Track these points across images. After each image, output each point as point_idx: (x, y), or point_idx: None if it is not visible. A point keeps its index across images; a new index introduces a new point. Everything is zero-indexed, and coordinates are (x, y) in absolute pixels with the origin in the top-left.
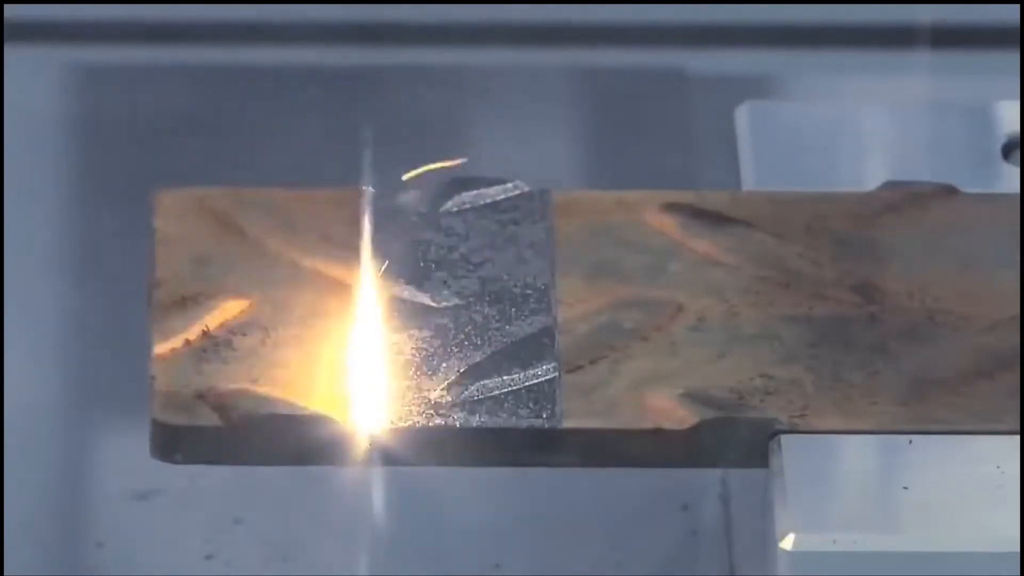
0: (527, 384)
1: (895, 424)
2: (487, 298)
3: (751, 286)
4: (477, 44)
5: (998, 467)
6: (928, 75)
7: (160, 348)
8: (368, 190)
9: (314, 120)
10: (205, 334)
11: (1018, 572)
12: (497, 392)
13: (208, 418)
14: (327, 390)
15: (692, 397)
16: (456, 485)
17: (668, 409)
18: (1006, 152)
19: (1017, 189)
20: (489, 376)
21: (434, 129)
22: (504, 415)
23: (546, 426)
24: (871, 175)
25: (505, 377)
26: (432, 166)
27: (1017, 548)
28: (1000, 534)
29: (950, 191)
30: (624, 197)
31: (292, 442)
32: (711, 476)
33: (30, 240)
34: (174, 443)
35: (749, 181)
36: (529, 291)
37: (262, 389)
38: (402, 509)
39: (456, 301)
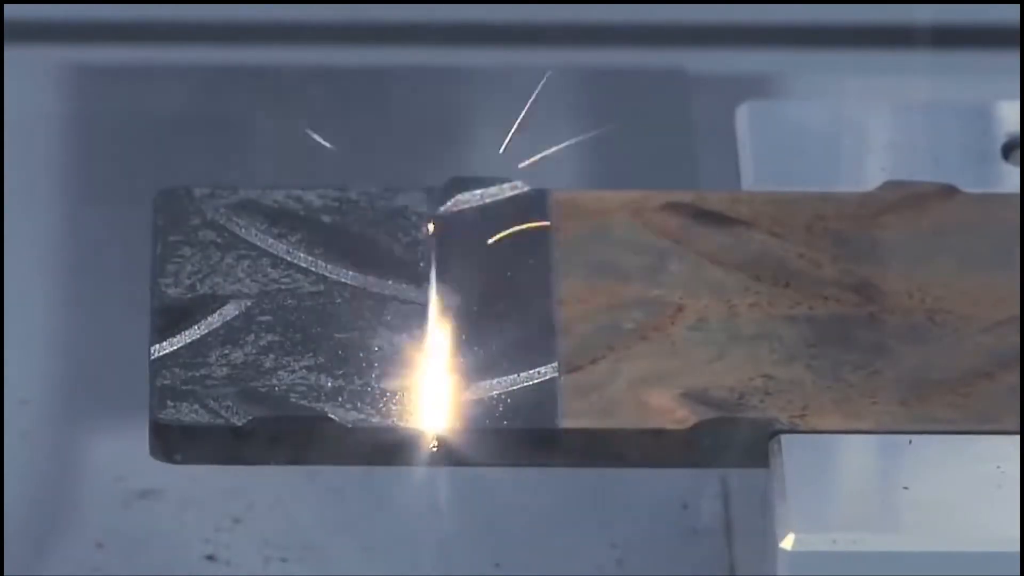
0: (527, 384)
1: (895, 424)
2: (487, 298)
3: (751, 286)
4: (477, 44)
5: (998, 467)
6: (928, 75)
7: (160, 348)
8: (368, 190)
9: (314, 120)
10: (205, 334)
11: (1018, 572)
12: (496, 392)
13: (208, 418)
14: (327, 390)
15: (692, 397)
16: (456, 485)
17: (668, 409)
18: (1006, 152)
19: (1017, 189)
20: (488, 376)
21: (434, 129)
22: (504, 415)
23: (546, 426)
24: (871, 175)
25: (505, 377)
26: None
27: (1017, 548)
28: (1000, 534)
29: (950, 191)
30: (624, 197)
31: (292, 442)
32: (711, 475)
33: (30, 240)
34: (174, 443)
35: (749, 181)
36: (529, 291)
37: (262, 389)
38: (402, 508)
39: (456, 301)
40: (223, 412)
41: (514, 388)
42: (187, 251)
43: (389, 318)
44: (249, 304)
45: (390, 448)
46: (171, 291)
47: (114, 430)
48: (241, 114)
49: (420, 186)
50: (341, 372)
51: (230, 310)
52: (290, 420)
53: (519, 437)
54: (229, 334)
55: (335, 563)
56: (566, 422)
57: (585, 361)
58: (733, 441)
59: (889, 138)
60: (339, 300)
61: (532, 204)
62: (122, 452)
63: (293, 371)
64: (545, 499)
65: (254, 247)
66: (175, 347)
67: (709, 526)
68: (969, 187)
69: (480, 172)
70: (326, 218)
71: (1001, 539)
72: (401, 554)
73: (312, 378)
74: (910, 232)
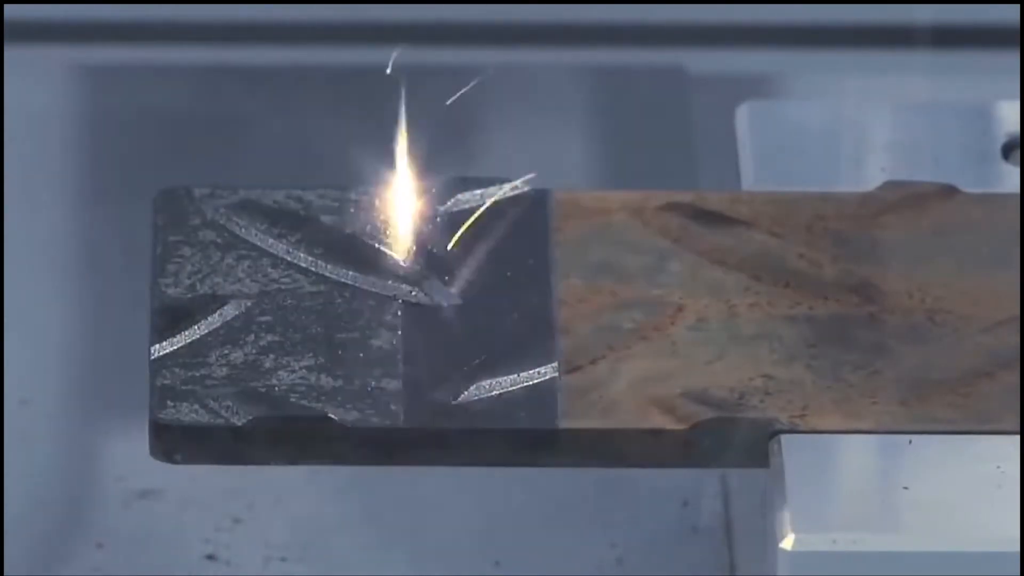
0: (527, 384)
1: (895, 424)
2: (487, 298)
3: (751, 286)
4: (477, 44)
5: (998, 467)
6: (928, 75)
7: (160, 348)
8: (368, 190)
9: (314, 120)
10: (205, 334)
11: (1018, 572)
12: (497, 392)
13: (208, 418)
14: (327, 390)
15: (692, 397)
16: (455, 483)
17: (668, 409)
18: (1006, 152)
19: (1017, 189)
20: (489, 376)
21: (434, 129)
22: (504, 415)
23: (546, 426)
24: (871, 175)
25: (505, 377)
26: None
27: (1017, 548)
28: (1000, 534)
29: (950, 191)
30: (624, 197)
31: (292, 442)
32: (711, 474)
33: (30, 240)
34: (174, 443)
35: (749, 181)
36: (529, 291)
37: (262, 389)
38: (402, 508)
39: (456, 301)
40: (223, 412)
41: (514, 388)
42: (187, 251)
43: (389, 318)
44: (249, 304)
45: (390, 448)
46: (171, 291)
47: (114, 430)
48: (241, 114)
49: (420, 185)
50: (341, 372)
51: (230, 310)
52: (290, 420)
53: (519, 437)
54: (229, 334)
55: (335, 563)
56: (566, 422)
57: (585, 361)
58: (733, 441)
59: (889, 138)
60: (339, 300)
61: (532, 204)
62: (122, 452)
63: (293, 371)
64: (545, 499)
65: (254, 247)
66: (175, 347)
67: (709, 525)
68: (969, 187)
69: (481, 172)
70: (326, 218)
71: (1001, 539)
72: (401, 554)
73: (312, 378)
74: (910, 232)
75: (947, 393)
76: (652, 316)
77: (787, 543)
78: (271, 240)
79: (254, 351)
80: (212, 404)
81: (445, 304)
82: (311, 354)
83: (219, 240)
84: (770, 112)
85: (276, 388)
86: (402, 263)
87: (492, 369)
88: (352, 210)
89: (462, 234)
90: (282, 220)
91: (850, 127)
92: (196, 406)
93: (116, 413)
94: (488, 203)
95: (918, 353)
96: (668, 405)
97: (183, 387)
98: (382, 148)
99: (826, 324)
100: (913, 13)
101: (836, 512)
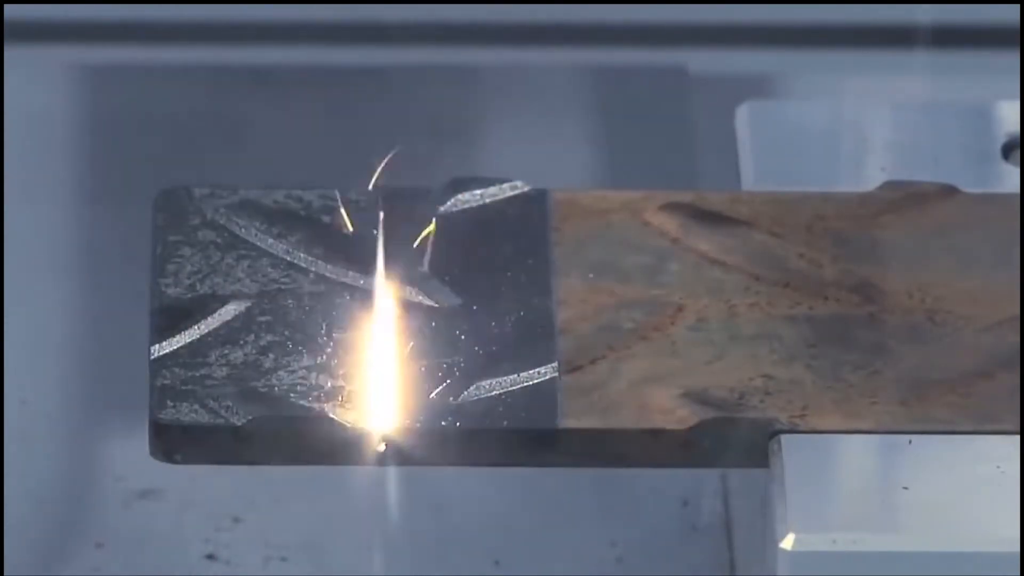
0: (527, 384)
1: (895, 424)
2: (487, 298)
3: (751, 286)
4: (478, 44)
5: (998, 467)
6: (928, 75)
7: (160, 348)
8: (368, 190)
9: (314, 120)
10: (205, 334)
11: (1018, 572)
12: (496, 392)
13: (208, 418)
14: (327, 390)
15: (692, 397)
16: (455, 483)
17: (668, 409)
18: (1006, 152)
19: (1017, 189)
20: (488, 376)
21: (434, 129)
22: (504, 415)
23: (546, 426)
24: (871, 175)
25: (505, 377)
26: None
27: (1017, 548)
28: (1000, 534)
29: (950, 191)
30: (624, 197)
31: (292, 442)
32: (711, 472)
33: (30, 240)
34: (174, 443)
35: (749, 181)
36: (529, 291)
37: (262, 389)
38: (401, 507)
39: (456, 301)
40: (223, 412)
41: (514, 388)
42: (187, 251)
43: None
44: (249, 304)
45: (390, 448)
46: (171, 291)
47: (114, 430)
48: (241, 114)
49: (420, 186)
50: (341, 372)
51: (230, 310)
52: (290, 420)
53: (519, 437)
54: (229, 334)
55: (335, 563)
56: (566, 422)
57: (585, 361)
58: (733, 441)
59: (889, 138)
60: (339, 300)
61: (532, 204)
62: (122, 452)
63: (293, 371)
64: (545, 499)
65: (254, 247)
66: (175, 347)
67: (709, 524)
68: (969, 187)
69: (480, 172)
70: (326, 218)
71: (1001, 539)
72: (401, 554)
73: (312, 378)
74: (910, 232)
75: (947, 393)
76: (652, 316)
77: (787, 543)
78: (271, 240)
79: (254, 351)
80: (212, 404)
81: (445, 304)
82: (311, 354)
83: (219, 240)
84: (770, 112)
85: (276, 388)
86: (402, 263)
87: (492, 369)
88: (352, 210)
89: (465, 236)
90: (282, 220)
91: (850, 127)
92: (196, 406)
93: (116, 413)
94: (488, 203)
95: (918, 353)
96: (668, 405)
97: (183, 387)
98: (382, 148)
99: (826, 324)
100: (913, 13)
101: (836, 512)
